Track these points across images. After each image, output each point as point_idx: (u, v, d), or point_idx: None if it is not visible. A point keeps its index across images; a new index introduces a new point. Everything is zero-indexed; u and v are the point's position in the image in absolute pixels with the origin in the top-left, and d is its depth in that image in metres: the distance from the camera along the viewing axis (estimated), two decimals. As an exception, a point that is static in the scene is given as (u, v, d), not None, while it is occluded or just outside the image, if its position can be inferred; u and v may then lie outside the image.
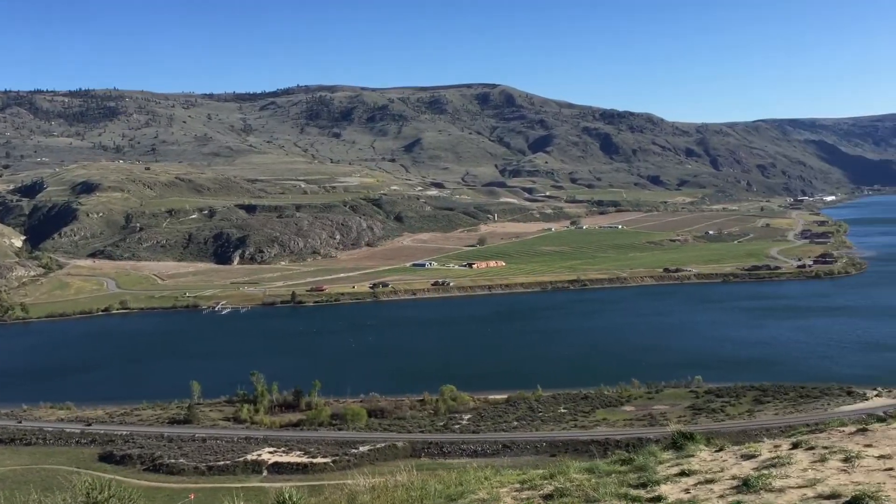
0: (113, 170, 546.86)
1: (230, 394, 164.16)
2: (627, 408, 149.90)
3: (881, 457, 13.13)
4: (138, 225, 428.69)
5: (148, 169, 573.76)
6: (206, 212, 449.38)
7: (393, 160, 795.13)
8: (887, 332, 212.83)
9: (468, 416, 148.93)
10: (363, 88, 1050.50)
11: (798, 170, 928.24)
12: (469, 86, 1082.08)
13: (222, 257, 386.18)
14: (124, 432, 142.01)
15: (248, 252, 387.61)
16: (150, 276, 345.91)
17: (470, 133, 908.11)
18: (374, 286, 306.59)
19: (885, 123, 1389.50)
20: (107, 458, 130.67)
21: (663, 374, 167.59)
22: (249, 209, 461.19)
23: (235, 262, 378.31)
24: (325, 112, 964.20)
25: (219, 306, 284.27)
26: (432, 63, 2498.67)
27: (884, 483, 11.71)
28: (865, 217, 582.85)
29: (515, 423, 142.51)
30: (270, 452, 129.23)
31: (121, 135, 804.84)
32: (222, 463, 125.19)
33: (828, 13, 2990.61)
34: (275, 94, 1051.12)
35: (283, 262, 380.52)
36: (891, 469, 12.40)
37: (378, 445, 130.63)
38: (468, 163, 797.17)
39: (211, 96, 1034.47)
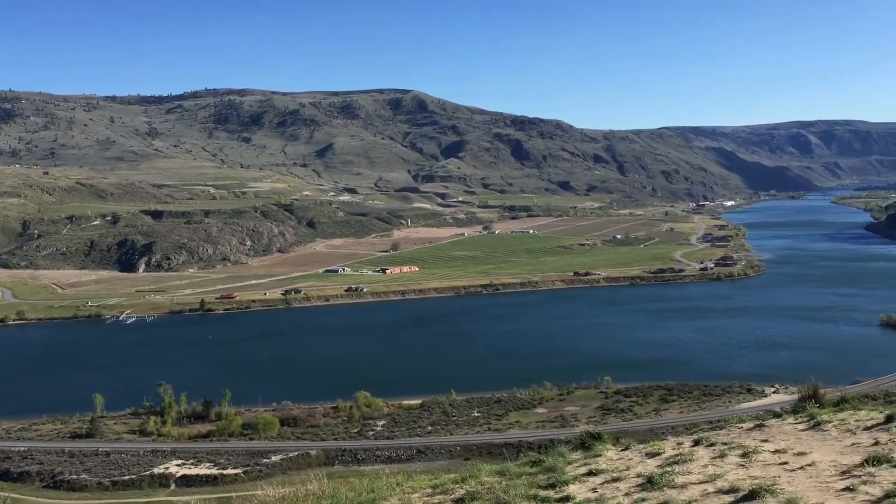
0: (9, 174, 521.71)
1: (136, 406, 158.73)
2: (540, 410, 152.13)
3: (776, 451, 13.68)
4: (36, 232, 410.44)
5: (46, 173, 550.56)
6: (109, 218, 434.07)
7: (305, 165, 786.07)
8: (783, 332, 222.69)
9: (382, 422, 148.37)
10: (274, 92, 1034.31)
11: (700, 176, 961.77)
12: (381, 91, 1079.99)
13: (127, 265, 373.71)
14: (22, 448, 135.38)
15: (154, 259, 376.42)
16: (50, 284, 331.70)
17: (383, 138, 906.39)
18: (287, 293, 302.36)
19: (779, 132, 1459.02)
20: (3, 476, 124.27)
21: (574, 375, 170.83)
22: (156, 215, 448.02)
23: (141, 270, 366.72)
24: (235, 116, 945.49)
25: (123, 315, 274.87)
26: (344, 68, 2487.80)
27: (779, 476, 12.19)
28: (762, 221, 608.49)
29: (430, 427, 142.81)
30: (178, 465, 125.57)
31: (17, 138, 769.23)
32: (127, 477, 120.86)
33: (725, 26, 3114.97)
34: (182, 97, 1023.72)
35: (191, 270, 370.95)
36: (786, 463, 12.93)
37: (291, 454, 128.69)
38: (381, 168, 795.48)
39: (114, 99, 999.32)
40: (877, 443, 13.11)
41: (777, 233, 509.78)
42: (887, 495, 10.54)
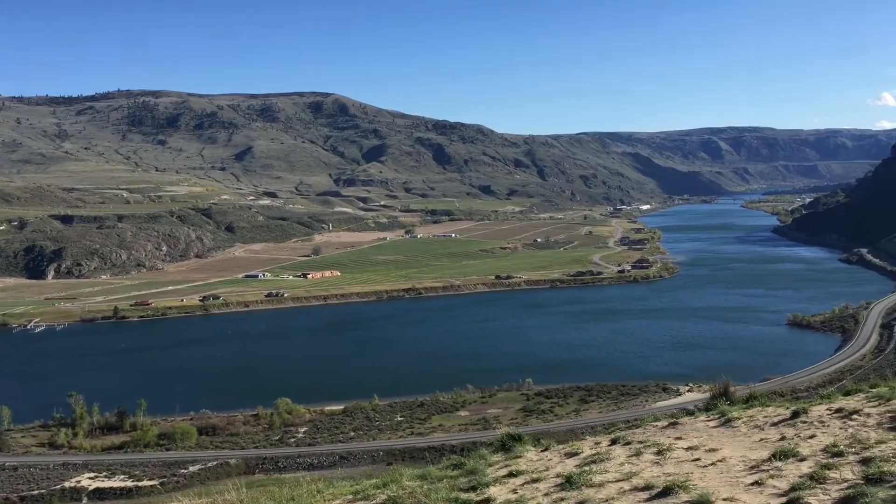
0: None
1: (45, 418, 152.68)
2: (462, 413, 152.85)
3: (689, 448, 14.07)
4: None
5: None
6: (15, 223, 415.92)
7: (223, 169, 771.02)
8: (696, 332, 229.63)
9: (304, 428, 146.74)
10: (190, 94, 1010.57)
11: (617, 180, 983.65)
12: (302, 94, 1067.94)
13: (35, 272, 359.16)
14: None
15: (64, 266, 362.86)
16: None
17: (303, 142, 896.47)
18: (205, 299, 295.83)
19: (692, 138, 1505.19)
20: None
21: (496, 378, 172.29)
22: (66, 220, 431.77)
23: (50, 277, 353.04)
24: (150, 118, 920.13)
25: (31, 324, 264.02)
26: (263, 70, 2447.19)
27: (692, 473, 12.54)
28: (676, 224, 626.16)
29: (352, 433, 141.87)
30: (91, 478, 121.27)
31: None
32: (37, 492, 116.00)
33: (639, 35, 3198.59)
34: (93, 98, 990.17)
35: (104, 276, 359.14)
36: (698, 459, 13.31)
37: (209, 464, 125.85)
38: (302, 172, 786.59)
39: (20, 99, 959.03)
40: (783, 438, 13.61)
41: (690, 236, 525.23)
42: (793, 488, 10.96)
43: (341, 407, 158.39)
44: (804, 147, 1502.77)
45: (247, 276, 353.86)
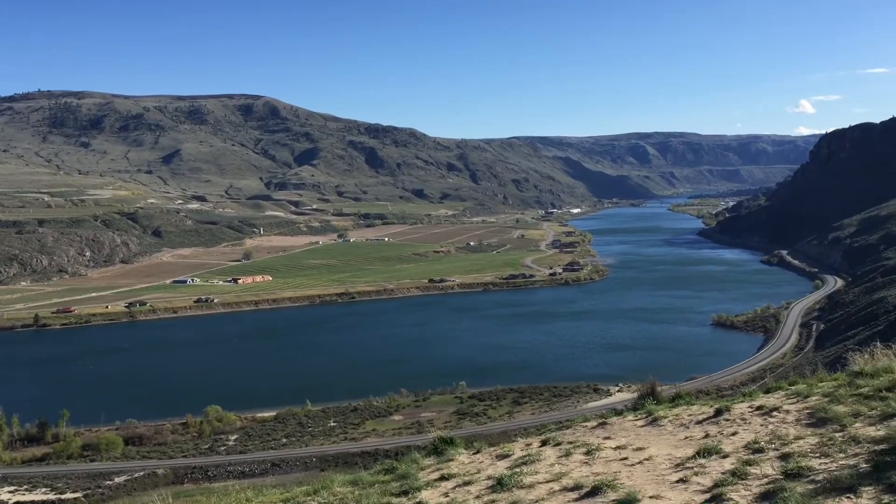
0: None
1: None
2: (396, 417, 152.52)
3: (617, 447, 14.30)
4: None
5: None
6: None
7: (150, 172, 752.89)
8: (626, 333, 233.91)
9: (235, 436, 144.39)
10: (115, 95, 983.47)
11: (548, 184, 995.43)
12: (231, 96, 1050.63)
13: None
14: None
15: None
16: None
17: (233, 145, 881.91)
18: (131, 305, 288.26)
19: (620, 143, 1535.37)
20: None
21: (431, 382, 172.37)
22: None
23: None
24: (72, 120, 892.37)
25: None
26: (191, 71, 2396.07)
27: (619, 472, 12.76)
28: (606, 227, 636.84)
29: (284, 440, 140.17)
30: (11, 492, 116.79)
31: None
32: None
33: (569, 42, 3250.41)
34: (12, 98, 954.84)
35: (23, 283, 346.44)
36: (625, 458, 13.54)
37: (136, 475, 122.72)
38: (232, 175, 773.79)
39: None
40: (707, 435, 13.95)
41: (620, 238, 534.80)
42: (716, 485, 11.24)
43: (273, 413, 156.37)
44: (727, 152, 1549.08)
45: (175, 282, 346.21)
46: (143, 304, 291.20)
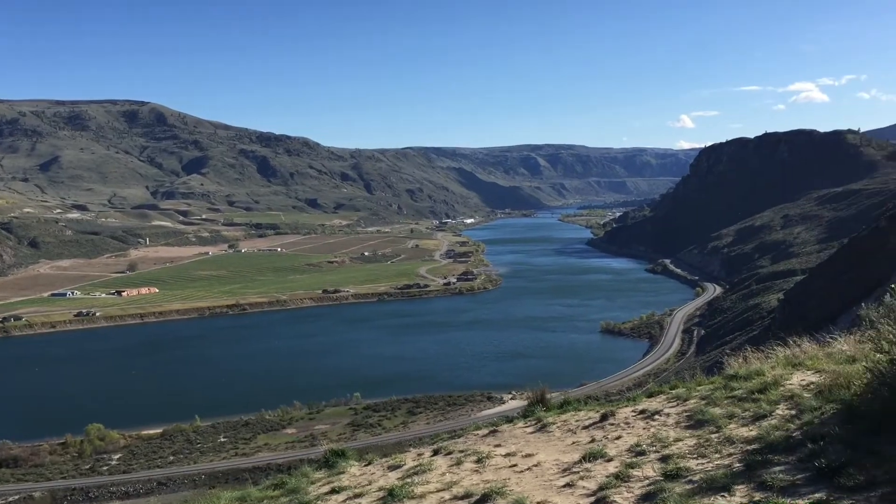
0: None
1: None
2: (289, 430, 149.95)
3: (507, 454, 14.48)
4: None
5: None
6: None
7: (26, 180, 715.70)
8: (519, 341, 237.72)
9: (119, 455, 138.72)
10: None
11: (442, 194, 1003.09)
12: (115, 102, 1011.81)
13: None
14: None
15: None
16: None
17: (117, 152, 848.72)
18: (4, 320, 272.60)
19: (512, 154, 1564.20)
20: None
21: (325, 394, 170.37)
22: None
23: None
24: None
25: None
26: (71, 75, 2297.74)
27: (509, 478, 12.92)
28: (499, 238, 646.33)
29: (172, 457, 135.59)
30: None
31: None
32: None
33: (463, 54, 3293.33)
34: None
35: None
36: (515, 465, 13.72)
37: (10, 499, 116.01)
38: (115, 184, 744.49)
39: None
40: (593, 440, 14.30)
41: (512, 248, 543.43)
42: (601, 488, 11.54)
43: (160, 430, 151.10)
44: (614, 164, 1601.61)
45: (53, 295, 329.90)
46: (17, 318, 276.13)
